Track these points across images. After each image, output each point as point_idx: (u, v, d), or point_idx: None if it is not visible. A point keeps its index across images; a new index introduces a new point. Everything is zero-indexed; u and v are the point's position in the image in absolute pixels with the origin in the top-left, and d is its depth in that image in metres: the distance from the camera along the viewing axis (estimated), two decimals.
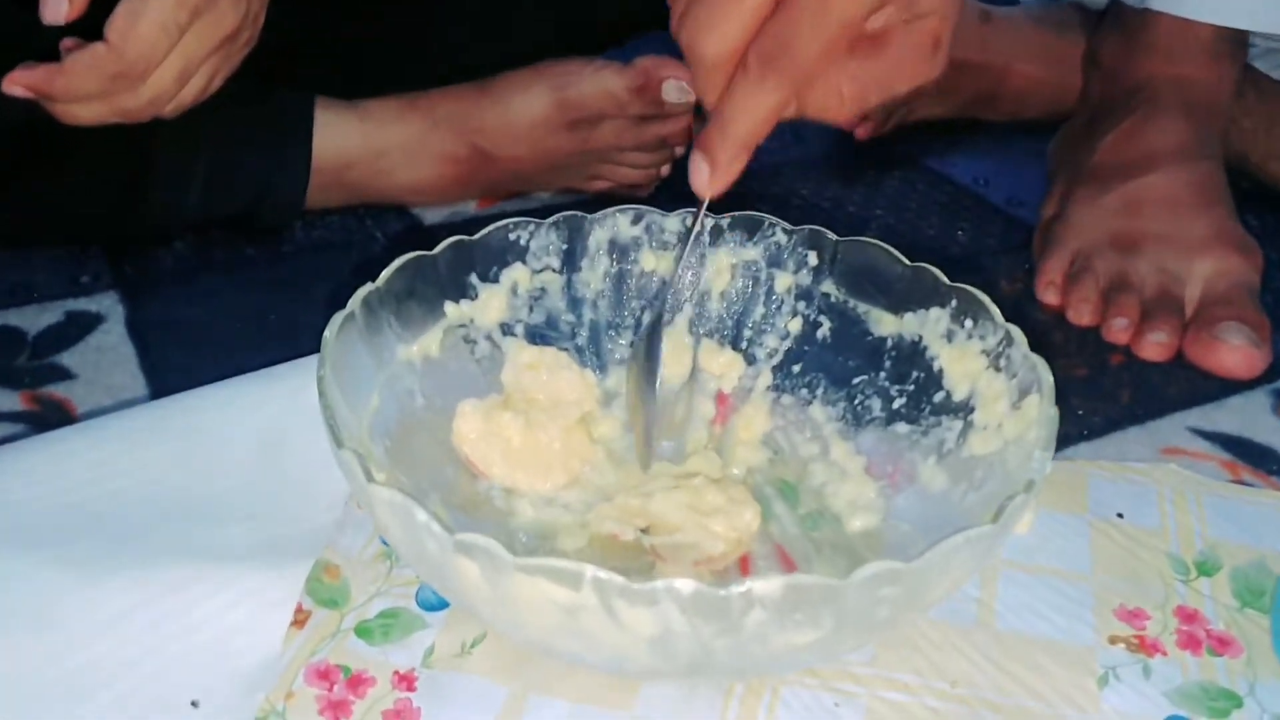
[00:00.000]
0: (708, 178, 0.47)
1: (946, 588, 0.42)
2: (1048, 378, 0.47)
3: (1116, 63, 0.81)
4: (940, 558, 0.38)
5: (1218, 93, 0.79)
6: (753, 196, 0.87)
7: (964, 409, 0.52)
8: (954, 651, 0.48)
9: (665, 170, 0.86)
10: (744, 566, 0.51)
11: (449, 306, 0.56)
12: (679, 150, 0.85)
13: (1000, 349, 0.51)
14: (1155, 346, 0.68)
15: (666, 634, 0.38)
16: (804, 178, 0.91)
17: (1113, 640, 0.49)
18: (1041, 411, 0.46)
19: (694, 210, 0.58)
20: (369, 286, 0.51)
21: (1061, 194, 0.79)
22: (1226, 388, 0.66)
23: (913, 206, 0.86)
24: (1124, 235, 0.73)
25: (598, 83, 0.79)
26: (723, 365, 0.59)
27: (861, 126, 0.94)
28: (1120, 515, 0.56)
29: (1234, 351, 0.66)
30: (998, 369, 0.51)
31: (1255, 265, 0.72)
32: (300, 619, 0.49)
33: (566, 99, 0.79)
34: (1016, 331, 0.50)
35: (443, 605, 0.50)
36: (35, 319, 0.70)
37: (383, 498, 0.40)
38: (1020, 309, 0.73)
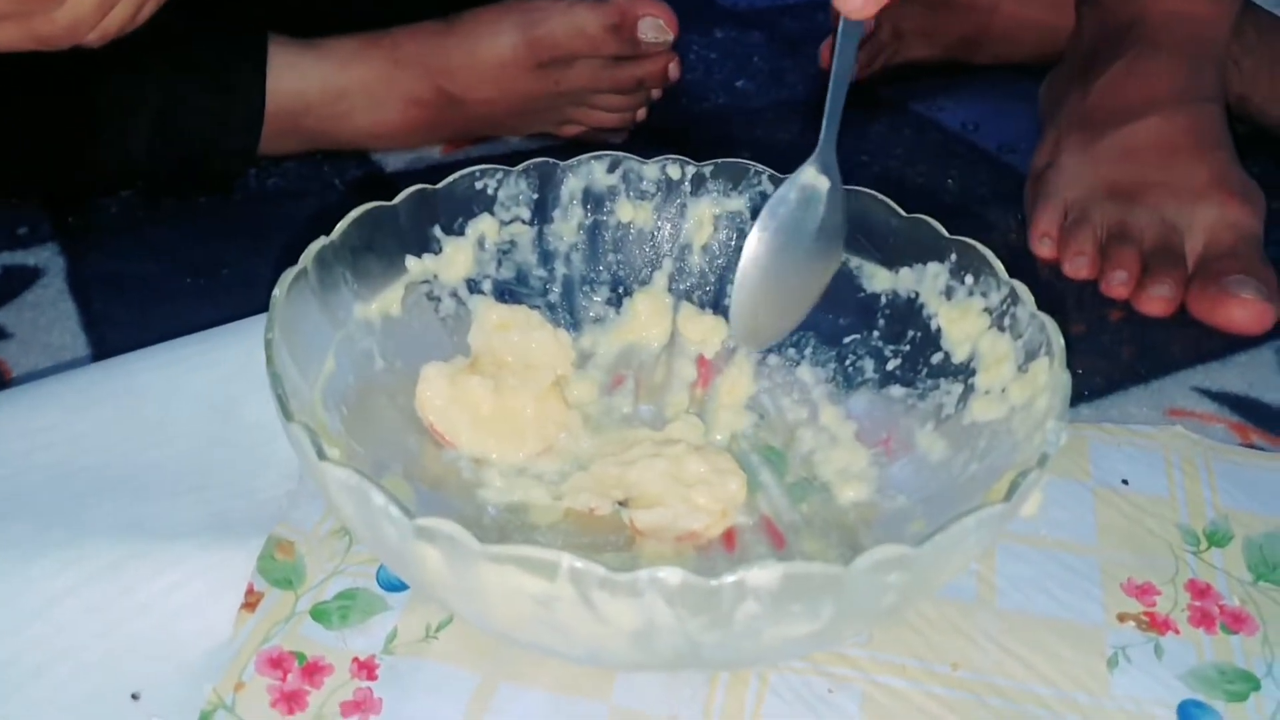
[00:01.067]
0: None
1: (954, 571, 0.39)
2: (1058, 339, 0.43)
3: (1110, 0, 0.77)
4: (950, 540, 0.35)
5: (1216, 31, 0.75)
6: (731, 142, 0.83)
7: (964, 371, 0.49)
8: (954, 632, 0.45)
9: (641, 114, 0.81)
10: (729, 541, 0.48)
11: (411, 261, 0.52)
12: (656, 93, 0.80)
13: (1004, 307, 0.47)
14: (1157, 301, 0.65)
15: (650, 627, 0.35)
16: (785, 123, 0.87)
17: (1122, 618, 0.46)
18: (1053, 376, 0.43)
19: (667, 158, 0.55)
20: (323, 240, 0.47)
21: (1054, 140, 0.76)
22: (1231, 344, 0.63)
23: (899, 153, 0.82)
24: (1121, 184, 0.69)
25: (570, 20, 0.74)
26: (703, 330, 0.55)
27: None
28: (1125, 482, 0.53)
29: (1242, 306, 0.63)
30: (1001, 329, 0.47)
31: (1259, 213, 0.68)
32: (251, 601, 0.45)
33: (537, 38, 0.75)
34: (1022, 288, 0.46)
35: (406, 585, 0.46)
36: None
37: (336, 477, 0.36)
38: (1013, 262, 0.70)
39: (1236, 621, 0.46)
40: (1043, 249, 0.70)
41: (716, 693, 0.42)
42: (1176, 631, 0.46)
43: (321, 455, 0.37)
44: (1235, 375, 0.61)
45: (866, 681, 0.43)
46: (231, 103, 0.72)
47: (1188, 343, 0.63)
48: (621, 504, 0.49)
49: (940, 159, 0.82)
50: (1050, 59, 0.86)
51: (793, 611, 0.35)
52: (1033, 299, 0.46)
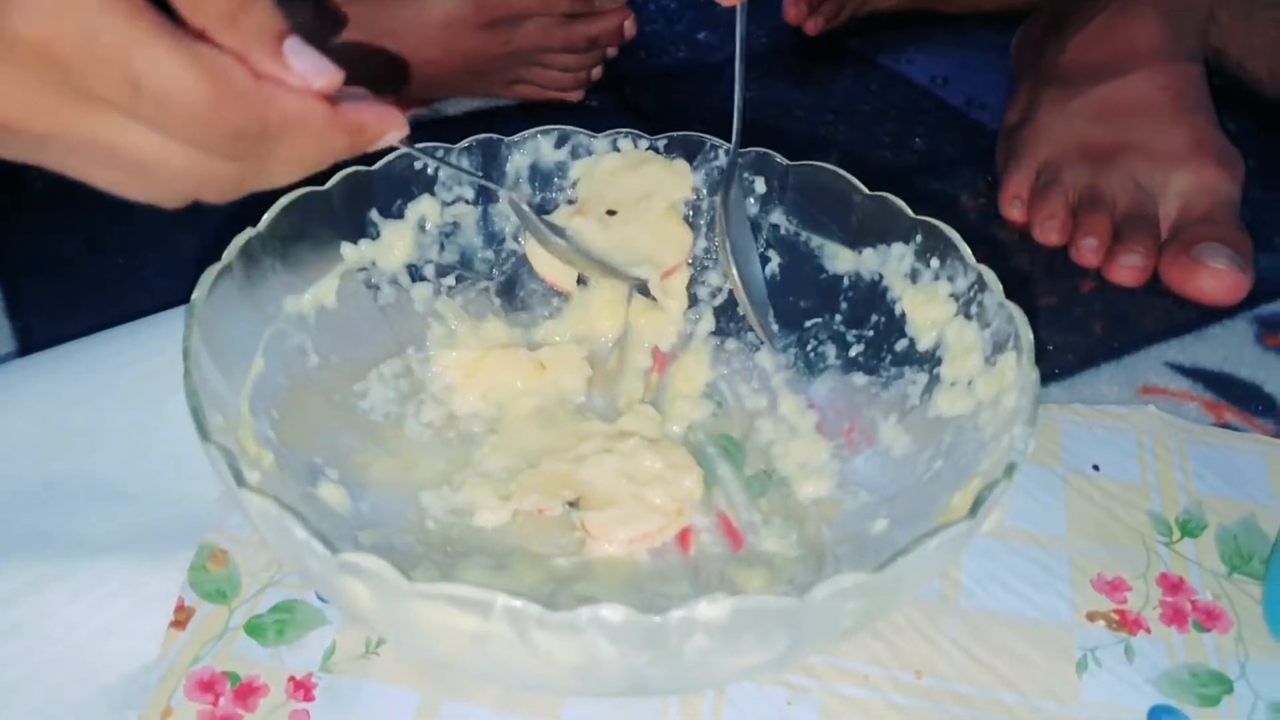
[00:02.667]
0: None
1: (915, 591, 0.37)
2: (1027, 332, 0.41)
3: None
4: (910, 564, 0.33)
5: None
6: (691, 100, 0.80)
7: (930, 360, 0.46)
8: (917, 636, 0.43)
9: (597, 73, 0.78)
10: (684, 542, 0.46)
11: (346, 249, 0.49)
12: (611, 51, 0.77)
13: (971, 294, 0.45)
14: (1128, 270, 0.62)
15: (593, 663, 0.33)
16: (751, 77, 0.83)
17: (1091, 617, 0.44)
18: (1021, 374, 0.40)
19: (618, 132, 0.52)
20: (249, 232, 0.44)
21: (1027, 97, 0.73)
22: (1206, 316, 0.61)
23: (866, 110, 0.79)
24: (1095, 145, 0.67)
25: None
26: (657, 324, 0.52)
27: (811, 20, 0.86)
28: (1097, 468, 0.51)
29: (1213, 276, 0.61)
30: (969, 317, 0.45)
31: (1236, 178, 0.66)
32: (181, 618, 0.43)
33: None
34: (990, 275, 0.44)
35: None
36: None
37: (255, 506, 0.33)
38: (983, 227, 0.68)
39: (1209, 619, 0.45)
40: (1013, 212, 0.68)
41: (671, 707, 0.41)
42: (1148, 630, 0.44)
43: (240, 481, 0.34)
44: (1209, 349, 0.59)
45: (826, 692, 0.41)
46: None
47: (1160, 314, 0.61)
48: (572, 504, 0.46)
49: (908, 116, 0.79)
50: (1024, 8, 0.83)
51: (745, 643, 0.33)
52: (1001, 286, 0.43)
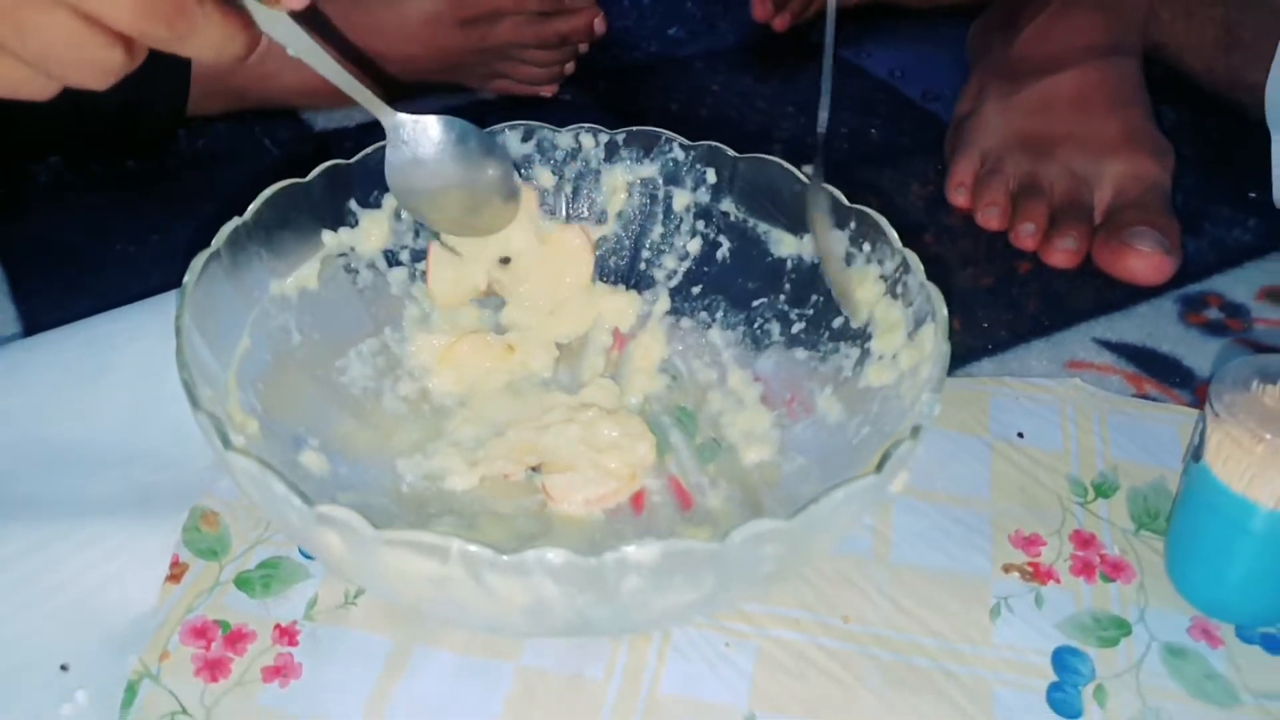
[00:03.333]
0: None
1: (832, 538, 0.41)
2: (942, 310, 0.45)
3: None
4: (821, 513, 0.37)
5: None
6: (660, 93, 0.84)
7: (862, 336, 0.51)
8: (848, 586, 0.48)
9: (569, 68, 0.82)
10: (637, 502, 0.50)
11: (327, 235, 0.53)
12: (583, 47, 0.81)
13: (898, 275, 0.49)
14: (1062, 253, 0.67)
15: (540, 603, 0.37)
16: (714, 72, 0.87)
17: (1007, 569, 0.49)
18: (935, 347, 0.45)
19: (580, 127, 0.56)
20: (235, 221, 0.48)
21: (976, 89, 0.77)
22: (1134, 295, 0.65)
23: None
24: (1035, 135, 0.71)
25: None
26: (618, 306, 0.56)
27: (778, 17, 0.90)
28: (1021, 435, 0.55)
29: (1142, 257, 0.65)
30: (895, 296, 0.49)
31: (1167, 167, 0.70)
32: (176, 573, 0.47)
33: None
34: (913, 257, 0.48)
35: None
36: None
37: (240, 468, 0.37)
38: (931, 212, 0.72)
39: (1115, 570, 0.49)
40: (958, 198, 0.72)
41: (620, 651, 0.45)
42: (1058, 581, 0.48)
43: (227, 444, 0.38)
44: (1135, 326, 0.63)
45: (762, 637, 0.46)
46: (157, 62, 0.72)
47: (1091, 294, 0.65)
48: (534, 469, 0.51)
49: (865, 107, 0.83)
50: (979, 4, 0.87)
51: (675, 583, 0.37)
52: (922, 268, 0.48)
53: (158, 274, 0.60)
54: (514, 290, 0.56)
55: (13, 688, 0.42)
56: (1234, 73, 0.76)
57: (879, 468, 0.39)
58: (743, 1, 0.95)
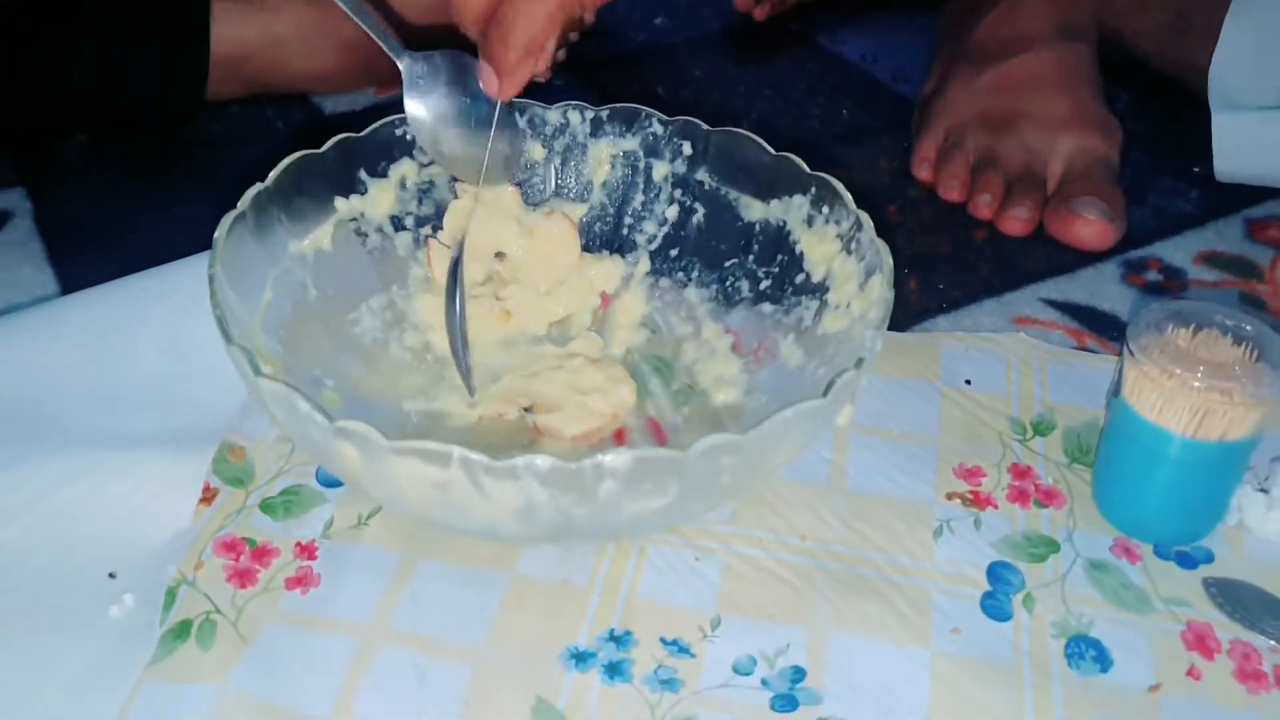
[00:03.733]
0: (497, 86, 0.53)
1: (785, 455, 0.46)
2: (888, 261, 0.51)
3: None
4: (772, 429, 0.43)
5: None
6: (646, 79, 0.90)
7: (821, 289, 0.56)
8: (806, 510, 0.53)
9: (561, 55, 0.87)
10: (619, 439, 0.56)
11: (339, 202, 0.58)
12: (573, 36, 0.87)
13: (852, 233, 0.55)
14: (1016, 221, 0.72)
15: (530, 505, 0.43)
16: (697, 59, 0.93)
17: (950, 496, 0.54)
18: (880, 293, 0.50)
19: (568, 104, 0.62)
20: (258, 185, 0.54)
21: (941, 72, 0.82)
22: (1081, 259, 0.71)
23: (801, 86, 0.89)
24: (994, 113, 0.77)
25: None
26: (604, 271, 0.62)
27: (759, 7, 0.95)
28: (968, 382, 0.61)
29: (1088, 224, 0.70)
30: (849, 252, 0.55)
31: (1115, 144, 0.76)
32: (208, 497, 0.53)
33: None
34: (865, 217, 0.54)
35: (341, 482, 0.54)
36: None
37: (268, 390, 0.43)
38: (897, 185, 0.77)
39: (1048, 497, 0.55)
40: (922, 172, 0.77)
41: (603, 562, 0.51)
42: (995, 506, 0.54)
43: (258, 372, 0.44)
44: (1080, 287, 0.69)
45: (727, 552, 0.51)
46: (176, 53, 0.78)
47: (1041, 259, 0.71)
48: (527, 410, 0.56)
49: (838, 89, 0.89)
50: None
51: (645, 489, 0.43)
52: (873, 226, 0.53)
53: (182, 242, 0.65)
54: (511, 279, 0.62)
55: (68, 592, 0.48)
56: (1183, 57, 0.82)
57: (825, 394, 0.44)
58: None
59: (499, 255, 0.61)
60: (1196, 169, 0.78)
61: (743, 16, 0.97)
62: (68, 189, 0.75)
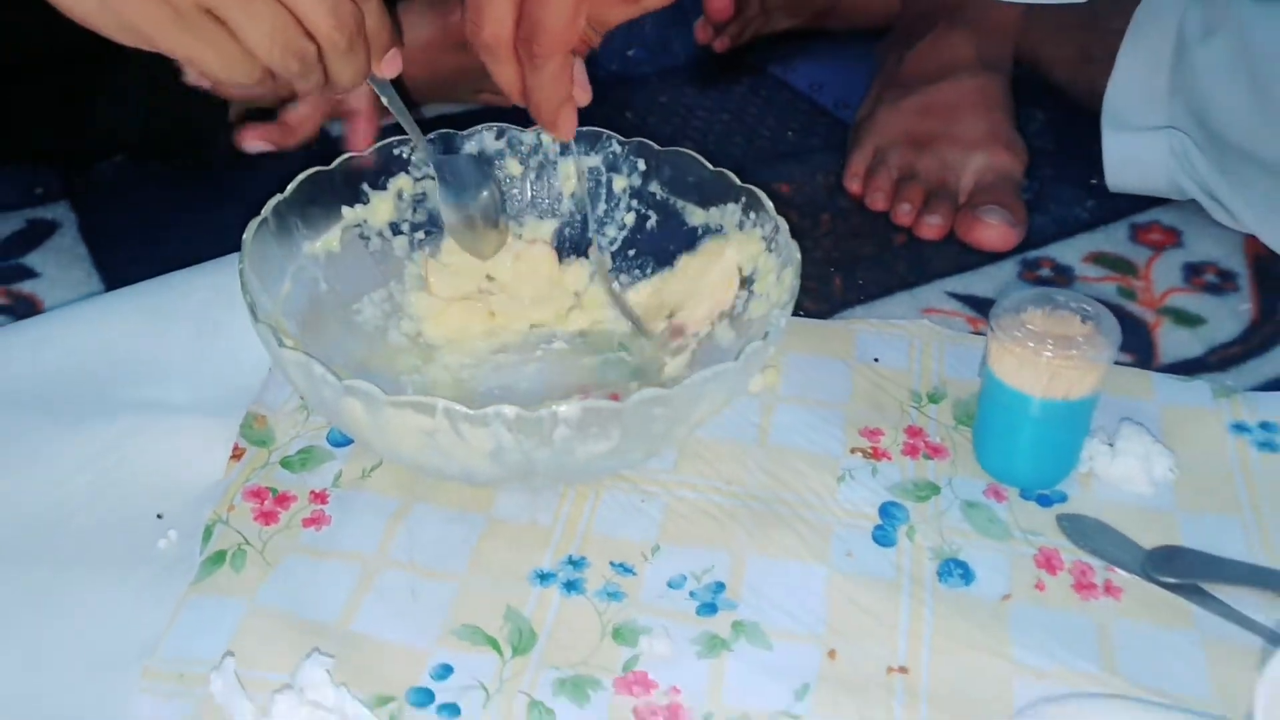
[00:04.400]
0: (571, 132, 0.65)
1: (706, 409, 0.57)
2: (797, 255, 0.62)
3: None
4: (693, 386, 0.54)
5: (1005, 15, 0.93)
6: (617, 105, 1.01)
7: (750, 281, 0.67)
8: (734, 462, 0.64)
9: None
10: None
11: (346, 210, 0.69)
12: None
13: (773, 234, 0.66)
14: (930, 227, 0.83)
15: (499, 448, 0.54)
16: (666, 86, 1.04)
17: (853, 451, 0.65)
18: (790, 283, 0.61)
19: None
20: (278, 196, 0.65)
21: (874, 98, 0.94)
22: (984, 259, 0.82)
23: (753, 111, 1.00)
24: (916, 134, 0.88)
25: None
26: (575, 273, 0.73)
27: (718, 40, 1.07)
28: (877, 360, 0.72)
29: (991, 229, 0.82)
30: (770, 250, 0.66)
31: (1020, 161, 0.87)
32: (237, 454, 0.64)
33: (452, 23, 0.92)
34: (783, 221, 0.65)
35: (348, 442, 0.65)
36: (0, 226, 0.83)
37: (290, 358, 0.54)
38: (831, 197, 0.88)
39: (935, 452, 0.65)
40: (853, 185, 0.89)
41: (565, 504, 0.62)
42: (890, 458, 0.65)
43: (281, 344, 0.55)
44: (982, 282, 0.80)
45: (668, 495, 0.62)
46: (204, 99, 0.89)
47: (950, 259, 0.82)
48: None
49: (787, 114, 1.00)
50: (887, 28, 1.04)
51: (592, 434, 0.54)
52: (788, 228, 0.64)
53: (210, 247, 0.76)
54: (499, 291, 0.73)
55: (122, 530, 0.59)
56: (1089, 83, 0.93)
57: (737, 358, 0.55)
58: (691, 25, 1.12)
59: (489, 278, 0.72)
60: (1094, 181, 0.89)
61: (706, 48, 1.09)
62: (109, 201, 0.86)
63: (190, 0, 0.51)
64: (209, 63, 0.54)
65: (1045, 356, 0.59)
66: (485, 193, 0.69)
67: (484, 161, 0.72)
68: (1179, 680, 0.53)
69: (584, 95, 0.65)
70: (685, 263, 0.71)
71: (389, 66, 0.60)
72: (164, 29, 0.52)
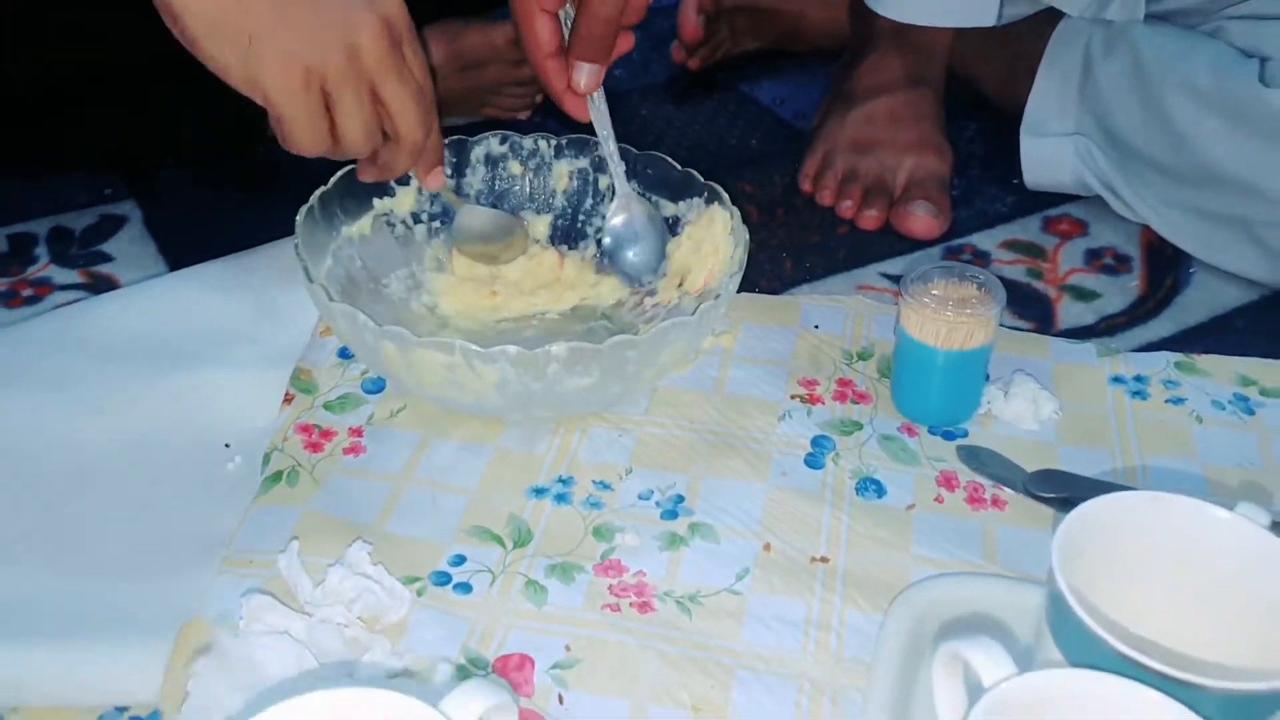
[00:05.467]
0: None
1: (670, 356, 0.71)
2: (746, 236, 0.77)
3: (865, 13, 1.10)
4: (658, 334, 0.68)
5: (937, 37, 1.08)
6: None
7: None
8: (695, 407, 0.78)
9: (539, 99, 1.13)
10: None
11: (376, 201, 0.84)
12: None
13: (728, 221, 0.80)
14: (869, 219, 0.98)
15: (504, 381, 0.68)
16: (646, 100, 1.19)
17: (793, 397, 0.79)
18: (739, 256, 0.76)
19: (539, 134, 0.87)
20: (322, 188, 0.79)
21: (825, 109, 1.08)
22: (914, 246, 0.96)
23: (722, 122, 1.15)
24: (859, 140, 1.02)
25: (482, 35, 1.06)
26: (571, 267, 0.87)
27: (692, 59, 1.22)
28: (817, 326, 0.86)
29: (918, 220, 0.96)
30: (730, 234, 0.80)
31: (947, 163, 1.02)
32: (288, 399, 0.78)
33: (459, 48, 1.07)
34: (736, 210, 0.79)
35: (378, 389, 0.79)
36: (78, 221, 0.97)
37: (339, 310, 0.69)
38: (786, 195, 1.03)
39: (861, 398, 0.80)
40: (805, 185, 1.03)
41: (556, 438, 0.76)
42: (823, 403, 0.79)
43: (331, 299, 0.69)
44: (909, 264, 0.94)
45: (640, 431, 0.76)
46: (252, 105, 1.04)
47: (885, 246, 0.96)
48: None
49: (752, 125, 1.14)
50: (842, 48, 1.18)
51: (577, 370, 0.68)
52: (740, 215, 0.79)
53: (256, 238, 0.91)
54: (509, 283, 0.87)
55: (196, 456, 0.73)
56: (1014, 97, 1.07)
57: (693, 314, 0.70)
58: (669, 48, 1.27)
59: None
60: (1015, 180, 1.04)
61: (681, 68, 1.23)
62: (169, 199, 1.00)
63: (319, 77, 0.64)
64: (300, 131, 0.66)
65: (946, 314, 0.73)
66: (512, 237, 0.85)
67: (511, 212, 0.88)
68: (1043, 567, 0.67)
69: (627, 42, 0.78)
70: (686, 233, 0.85)
71: (434, 180, 0.76)
72: (285, 94, 0.64)
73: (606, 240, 0.83)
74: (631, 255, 0.83)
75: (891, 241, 0.97)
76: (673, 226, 0.85)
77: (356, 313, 0.68)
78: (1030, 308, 0.90)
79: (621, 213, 0.83)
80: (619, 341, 0.67)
